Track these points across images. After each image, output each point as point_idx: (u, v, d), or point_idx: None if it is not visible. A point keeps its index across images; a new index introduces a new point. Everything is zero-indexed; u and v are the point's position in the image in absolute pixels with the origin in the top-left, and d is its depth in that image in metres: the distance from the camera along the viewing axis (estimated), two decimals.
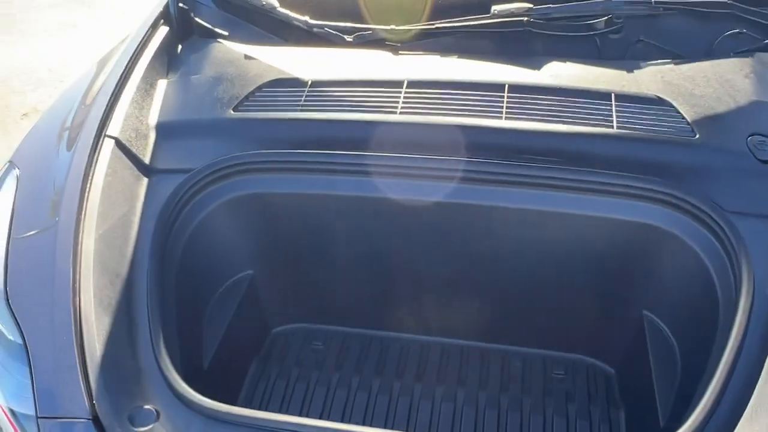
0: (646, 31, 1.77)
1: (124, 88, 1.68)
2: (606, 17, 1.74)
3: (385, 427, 1.56)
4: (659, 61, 1.70)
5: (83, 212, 1.41)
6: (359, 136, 1.56)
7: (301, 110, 1.61)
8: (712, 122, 1.51)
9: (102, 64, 1.85)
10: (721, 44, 1.75)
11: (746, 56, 1.68)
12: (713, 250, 1.36)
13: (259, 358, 1.71)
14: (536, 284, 1.61)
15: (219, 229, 1.58)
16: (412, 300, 1.71)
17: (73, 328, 1.24)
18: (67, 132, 1.61)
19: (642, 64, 1.68)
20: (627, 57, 1.76)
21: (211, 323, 1.55)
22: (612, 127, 1.51)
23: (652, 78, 1.63)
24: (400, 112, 1.58)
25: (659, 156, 1.47)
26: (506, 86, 1.62)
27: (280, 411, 1.59)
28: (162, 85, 1.76)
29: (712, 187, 1.43)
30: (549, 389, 1.62)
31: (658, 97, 1.58)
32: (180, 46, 1.93)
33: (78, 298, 1.28)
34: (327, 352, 1.71)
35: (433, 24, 1.79)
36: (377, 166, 1.53)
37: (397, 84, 1.65)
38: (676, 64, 1.68)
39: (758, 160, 1.45)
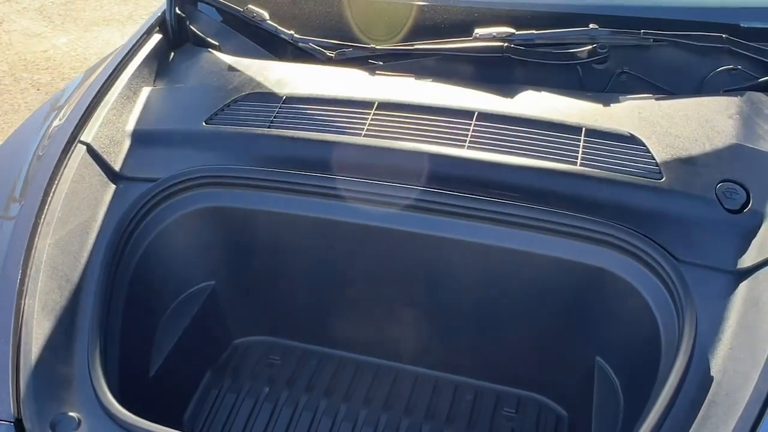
0: (632, 63, 1.70)
1: (105, 94, 1.72)
2: (590, 46, 1.68)
3: None
4: (641, 95, 1.63)
5: (43, 215, 1.46)
6: (321, 156, 1.56)
7: (270, 126, 1.62)
8: (682, 165, 1.44)
9: (93, 70, 1.91)
10: (712, 80, 1.67)
11: (736, 95, 1.59)
12: (661, 299, 1.31)
13: (214, 369, 1.73)
14: (489, 318, 1.57)
15: (180, 239, 1.61)
16: (367, 322, 1.70)
17: (12, 329, 1.28)
18: (44, 135, 1.67)
19: (622, 97, 1.62)
20: (609, 89, 1.70)
21: (165, 331, 1.58)
22: (575, 163, 1.46)
23: (630, 113, 1.57)
24: (365, 134, 1.57)
25: (620, 197, 1.41)
26: (475, 114, 1.58)
27: (224, 425, 1.61)
28: (146, 92, 1.80)
29: (671, 234, 1.36)
30: (496, 426, 1.59)
31: (631, 134, 1.51)
32: (173, 54, 1.97)
33: (22, 301, 1.33)
34: (282, 367, 1.73)
35: (412, 45, 1.77)
36: (335, 189, 1.53)
37: (368, 105, 1.64)
38: (657, 99, 1.61)
39: (725, 209, 1.37)
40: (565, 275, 1.43)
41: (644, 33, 1.66)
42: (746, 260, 1.30)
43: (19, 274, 1.35)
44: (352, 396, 1.64)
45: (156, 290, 1.58)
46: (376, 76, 1.76)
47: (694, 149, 1.47)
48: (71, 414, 1.23)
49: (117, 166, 1.63)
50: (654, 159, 1.46)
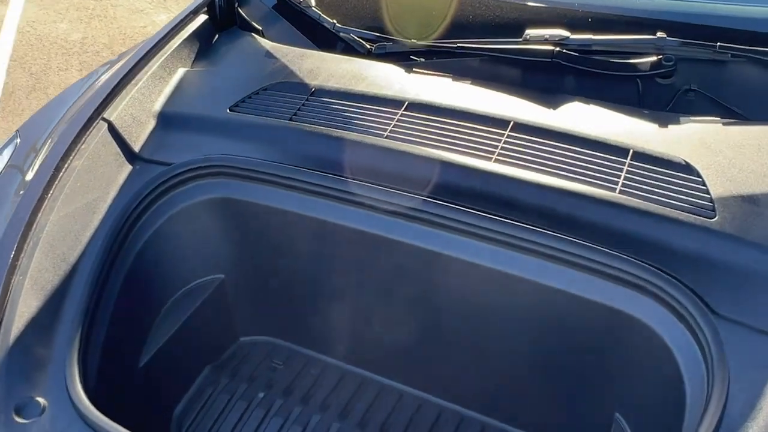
0: (702, 80, 1.48)
1: (137, 73, 1.69)
2: (655, 57, 1.48)
3: None
4: (708, 118, 1.41)
5: (51, 190, 1.44)
6: (336, 155, 1.45)
7: (291, 118, 1.53)
8: (742, 204, 1.23)
9: (136, 48, 1.88)
10: None
11: None
12: (691, 355, 1.11)
13: (215, 365, 1.67)
14: (499, 352, 1.41)
15: (189, 228, 1.55)
16: (374, 337, 1.58)
17: None
18: (71, 110, 1.66)
19: (684, 119, 1.41)
20: (671, 108, 1.48)
21: (163, 322, 1.53)
22: (614, 190, 1.28)
23: (690, 138, 1.36)
24: (387, 136, 1.45)
25: (659, 234, 1.22)
26: (511, 123, 1.43)
27: (212, 426, 1.55)
28: (180, 73, 1.76)
29: (714, 284, 1.16)
30: None
31: (686, 162, 1.31)
32: (217, 36, 1.92)
33: (13, 277, 1.30)
34: (283, 372, 1.64)
35: (455, 42, 1.62)
36: (347, 193, 1.42)
37: (397, 104, 1.52)
38: (727, 125, 1.39)
39: None
40: (585, 316, 1.25)
41: (720, 47, 1.44)
42: None
43: (14, 250, 1.33)
44: (348, 415, 1.53)
45: (158, 279, 1.53)
46: (413, 74, 1.62)
47: (761, 188, 1.25)
48: (38, 399, 1.19)
49: (136, 147, 1.58)
50: (709, 194, 1.25)
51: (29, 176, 1.51)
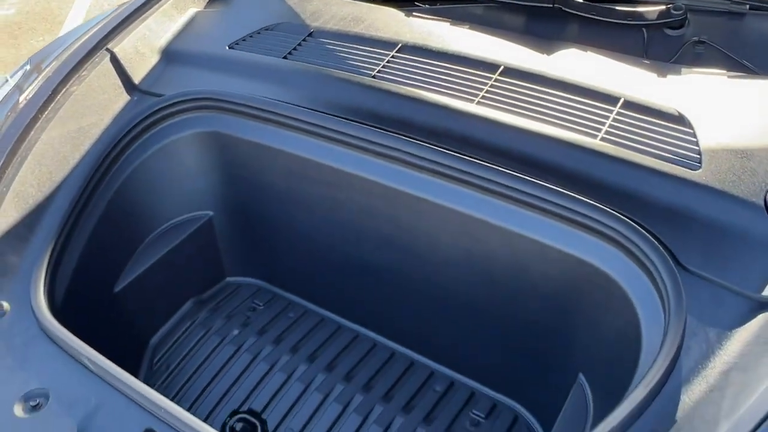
0: (713, 32, 1.37)
1: (149, 8, 1.72)
2: (664, 6, 1.38)
3: (264, 409, 1.45)
4: (712, 70, 1.30)
5: (46, 110, 1.47)
6: (325, 93, 1.43)
7: (285, 57, 1.53)
8: (732, 158, 1.13)
9: None
10: None
11: None
12: (653, 310, 1.03)
13: (197, 300, 1.68)
14: (470, 302, 1.35)
15: (179, 160, 1.56)
16: (352, 285, 1.55)
17: None
18: (79, 40, 1.69)
19: (686, 70, 1.31)
20: (677, 60, 1.38)
21: (146, 251, 1.54)
22: (595, 137, 1.20)
23: (688, 89, 1.26)
24: (374, 76, 1.42)
25: (636, 184, 1.13)
26: (501, 68, 1.36)
27: (184, 357, 1.56)
28: (190, 12, 1.78)
29: (690, 238, 1.07)
30: (455, 428, 1.37)
31: (680, 113, 1.21)
32: None
33: (1, 177, 1.35)
34: (261, 313, 1.63)
35: None
36: (333, 131, 1.39)
37: (390, 46, 1.48)
38: (732, 77, 1.28)
39: None
40: (549, 265, 1.18)
41: None
42: None
43: (3, 161, 1.37)
44: (316, 358, 1.51)
45: (144, 208, 1.55)
46: (411, 18, 1.58)
47: (757, 142, 1.15)
48: (1, 302, 1.23)
49: (136, 79, 1.61)
50: (698, 146, 1.16)
51: (27, 96, 1.56)
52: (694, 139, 1.17)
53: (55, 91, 1.52)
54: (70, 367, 1.09)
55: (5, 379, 1.08)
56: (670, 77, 1.30)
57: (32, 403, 1.07)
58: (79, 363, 1.09)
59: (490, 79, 1.35)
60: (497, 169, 1.20)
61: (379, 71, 1.43)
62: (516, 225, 1.20)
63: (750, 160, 1.12)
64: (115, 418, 1.01)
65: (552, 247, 1.17)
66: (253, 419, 1.41)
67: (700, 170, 1.12)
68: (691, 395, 0.91)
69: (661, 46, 1.40)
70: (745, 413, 0.82)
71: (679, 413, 0.90)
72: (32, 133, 1.45)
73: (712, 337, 0.96)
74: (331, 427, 1.37)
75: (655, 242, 1.06)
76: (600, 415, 1.11)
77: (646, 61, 1.35)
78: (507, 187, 1.18)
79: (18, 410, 1.04)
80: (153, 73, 1.64)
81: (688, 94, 1.25)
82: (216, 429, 1.45)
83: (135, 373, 1.58)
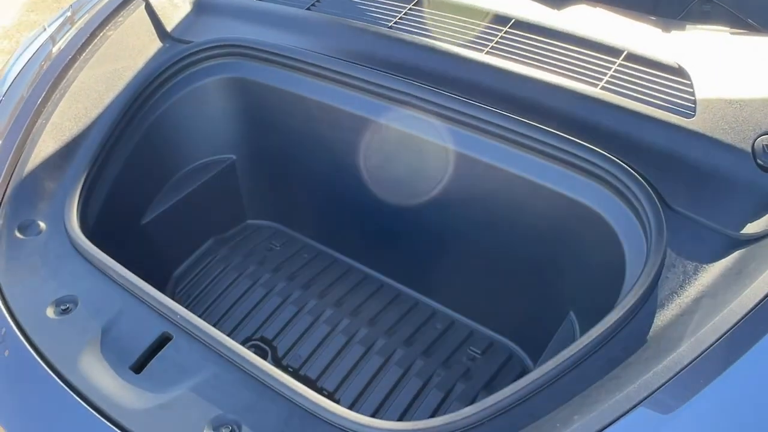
0: None
1: None
2: None
3: (274, 338, 1.55)
4: (717, 27, 1.34)
5: (84, 51, 1.58)
6: (348, 43, 1.51)
7: (310, 8, 1.60)
8: (726, 108, 1.17)
9: None
10: None
11: None
12: (638, 248, 1.09)
13: (218, 239, 1.78)
14: (469, 243, 1.42)
15: (205, 105, 1.66)
16: (366, 229, 1.63)
17: (18, 140, 1.41)
18: None
19: (690, 26, 1.35)
20: (684, 17, 1.42)
21: (172, 189, 1.65)
22: (596, 86, 1.26)
23: (690, 45, 1.31)
24: (391, 26, 1.49)
25: (631, 129, 1.19)
26: (512, 21, 1.42)
27: (203, 289, 1.66)
28: None
29: (678, 180, 1.13)
30: (453, 361, 1.45)
31: (679, 66, 1.26)
32: None
33: (37, 119, 1.46)
34: (278, 253, 1.72)
35: None
36: (351, 77, 1.46)
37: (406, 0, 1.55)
38: (734, 34, 1.32)
39: (757, 164, 1.10)
40: (548, 206, 1.25)
41: None
42: (753, 227, 1.04)
43: (43, 96, 1.48)
44: (326, 295, 1.60)
45: (171, 148, 1.64)
46: None
47: (751, 93, 1.19)
48: (39, 222, 1.34)
49: (169, 27, 1.70)
50: (693, 96, 1.20)
51: (64, 42, 1.67)
52: (691, 90, 1.22)
53: (92, 35, 1.62)
54: (98, 279, 1.19)
55: (39, 287, 1.19)
56: (675, 33, 1.34)
57: (62, 307, 1.18)
58: (105, 276, 1.20)
59: (500, 31, 1.41)
60: (500, 113, 1.26)
61: (395, 22, 1.50)
62: (515, 167, 1.26)
63: (743, 110, 1.17)
64: (136, 322, 1.11)
65: (547, 188, 1.23)
66: (264, 345, 1.51)
67: (694, 118, 1.17)
68: (662, 318, 0.97)
69: (670, 4, 1.44)
70: (707, 330, 0.89)
71: (651, 334, 0.96)
72: (71, 72, 1.55)
73: (689, 270, 1.02)
74: (335, 356, 1.47)
75: (644, 183, 1.11)
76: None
77: (653, 18, 1.39)
78: (509, 130, 1.25)
79: (50, 312, 1.15)
80: (184, 22, 1.73)
81: (690, 49, 1.30)
82: None
83: None
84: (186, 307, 1.66)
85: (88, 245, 1.24)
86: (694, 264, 1.03)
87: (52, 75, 1.53)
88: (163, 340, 1.09)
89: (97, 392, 1.01)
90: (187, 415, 0.97)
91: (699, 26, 1.35)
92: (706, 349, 0.86)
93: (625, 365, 0.93)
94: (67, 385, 1.04)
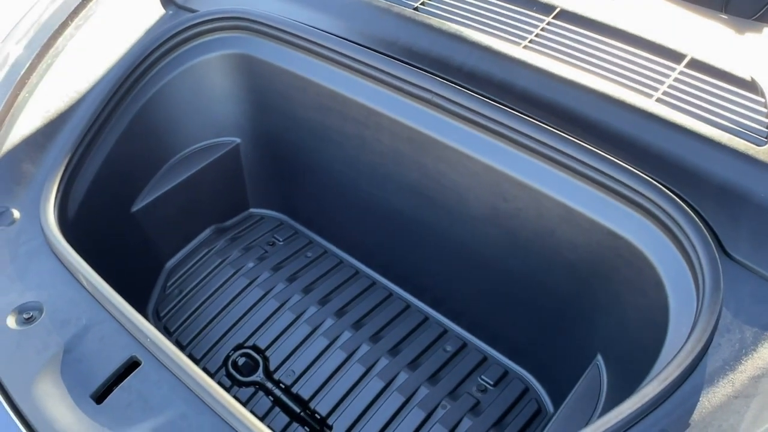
0: None
1: None
2: None
3: (268, 347, 1.42)
4: None
5: (76, 15, 1.42)
6: (366, 24, 1.33)
7: None
8: None
9: None
10: None
11: None
12: (686, 298, 0.92)
13: (218, 228, 1.64)
14: (493, 261, 1.25)
15: (209, 81, 1.50)
16: (377, 230, 1.47)
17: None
18: None
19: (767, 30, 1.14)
20: (761, 18, 1.21)
21: (168, 173, 1.50)
22: (651, 97, 1.07)
23: (765, 53, 1.10)
24: (417, 8, 1.31)
25: (689, 156, 1.00)
26: (557, 9, 1.23)
27: (197, 284, 1.53)
28: None
29: (740, 221, 0.95)
30: (459, 393, 1.30)
31: (753, 79, 1.06)
32: None
33: (20, 92, 1.32)
34: (279, 249, 1.58)
35: None
36: (362, 63, 1.29)
37: None
38: None
39: None
40: (581, 235, 1.08)
41: None
42: None
43: (26, 67, 1.34)
44: (328, 301, 1.45)
45: (169, 128, 1.49)
46: None
47: None
48: (13, 210, 1.21)
49: None
50: (767, 119, 1.01)
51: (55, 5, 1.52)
52: (765, 110, 1.02)
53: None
54: (68, 284, 1.07)
55: (4, 288, 1.07)
56: (749, 36, 1.14)
57: (25, 316, 1.05)
58: (77, 281, 1.07)
59: (542, 21, 1.22)
60: (534, 122, 1.08)
61: (422, 3, 1.31)
62: (547, 186, 1.09)
63: None
64: (102, 341, 0.98)
65: (583, 214, 1.06)
66: (256, 355, 1.38)
67: (766, 146, 0.98)
68: (711, 399, 0.81)
69: (743, 1, 1.23)
70: None
71: (695, 417, 0.80)
72: (60, 39, 1.40)
73: (748, 337, 0.85)
74: (331, 375, 1.33)
75: (699, 222, 0.94)
76: (612, 402, 1.02)
77: (723, 16, 1.19)
78: (543, 144, 1.07)
79: (11, 321, 1.03)
80: None
81: (767, 58, 1.10)
82: (219, 360, 1.45)
83: (147, 295, 1.58)
84: (177, 303, 1.55)
85: (61, 243, 1.11)
86: (753, 330, 0.86)
87: (39, 43, 1.38)
88: (130, 365, 0.96)
89: (49, 426, 0.90)
90: None
91: None
92: None
93: None
94: (17, 415, 0.92)
